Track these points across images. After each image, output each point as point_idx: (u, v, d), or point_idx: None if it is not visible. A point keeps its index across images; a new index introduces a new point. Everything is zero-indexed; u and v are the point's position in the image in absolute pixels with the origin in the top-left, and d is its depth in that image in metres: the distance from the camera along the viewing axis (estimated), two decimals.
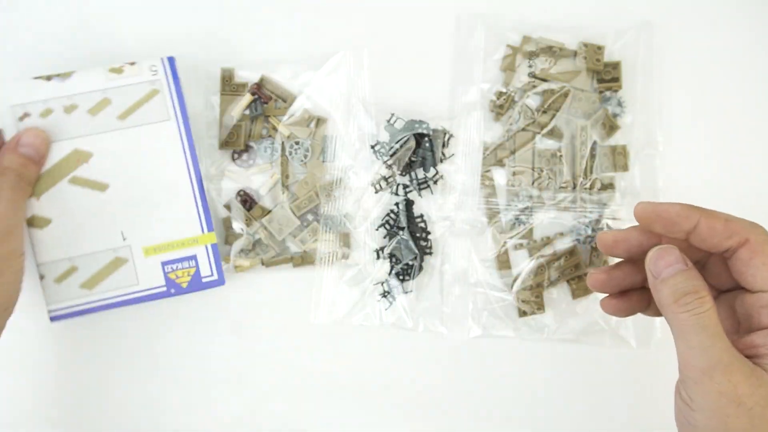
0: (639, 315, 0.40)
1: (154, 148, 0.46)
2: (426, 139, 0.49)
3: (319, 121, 0.49)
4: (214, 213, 0.49)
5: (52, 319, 0.46)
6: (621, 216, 0.49)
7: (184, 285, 0.47)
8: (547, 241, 0.49)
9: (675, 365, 0.34)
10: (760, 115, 0.51)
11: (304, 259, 0.49)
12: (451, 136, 0.50)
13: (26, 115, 0.45)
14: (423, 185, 0.50)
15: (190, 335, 0.49)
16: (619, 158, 0.50)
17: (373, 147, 0.49)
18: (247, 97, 0.48)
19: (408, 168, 0.49)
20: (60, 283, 0.46)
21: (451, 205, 0.49)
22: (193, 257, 0.47)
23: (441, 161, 0.50)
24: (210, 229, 0.47)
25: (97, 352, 0.49)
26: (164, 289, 0.47)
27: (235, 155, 0.49)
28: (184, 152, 0.46)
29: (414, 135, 0.49)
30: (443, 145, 0.50)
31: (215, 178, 0.49)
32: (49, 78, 0.45)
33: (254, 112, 0.49)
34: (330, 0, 0.50)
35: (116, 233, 0.46)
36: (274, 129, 0.49)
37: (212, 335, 0.49)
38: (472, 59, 0.50)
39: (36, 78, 0.45)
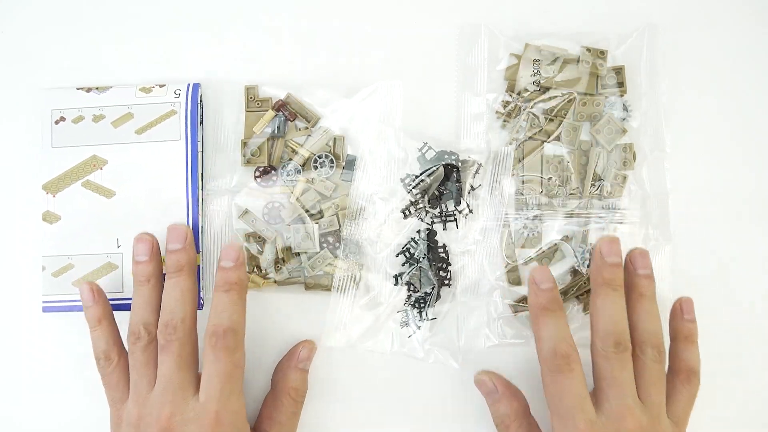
0: None
1: (160, 165, 0.48)
2: (455, 171, 0.49)
3: (337, 139, 0.49)
4: (228, 228, 0.49)
5: (44, 309, 0.48)
6: (630, 220, 0.49)
7: None
8: (555, 248, 0.49)
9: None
10: None
11: (316, 282, 0.49)
12: (480, 165, 0.49)
13: (62, 119, 0.49)
14: (450, 218, 0.49)
15: None
16: (626, 156, 0.49)
17: (402, 180, 0.49)
18: (270, 113, 0.49)
19: (437, 200, 0.49)
20: (57, 277, 0.48)
21: (472, 239, 0.49)
22: None
23: (469, 192, 0.49)
24: (197, 250, 0.47)
25: (81, 352, 0.50)
26: None
27: (258, 173, 0.49)
28: (186, 174, 0.48)
29: (444, 166, 0.49)
30: (472, 176, 0.49)
31: (237, 193, 0.49)
32: (88, 90, 0.49)
33: (276, 132, 0.49)
34: (347, 29, 0.51)
35: (112, 240, 0.48)
36: (294, 151, 0.49)
37: None
38: (476, 70, 0.50)
39: (78, 89, 0.50)
